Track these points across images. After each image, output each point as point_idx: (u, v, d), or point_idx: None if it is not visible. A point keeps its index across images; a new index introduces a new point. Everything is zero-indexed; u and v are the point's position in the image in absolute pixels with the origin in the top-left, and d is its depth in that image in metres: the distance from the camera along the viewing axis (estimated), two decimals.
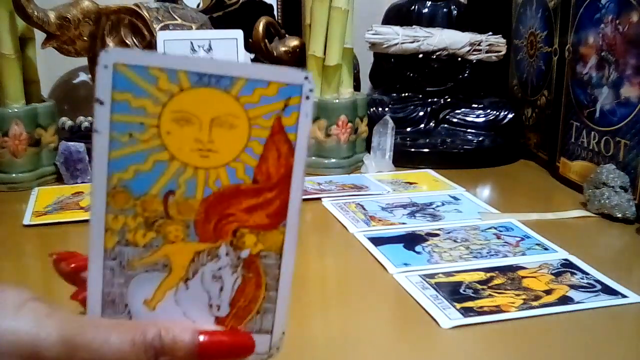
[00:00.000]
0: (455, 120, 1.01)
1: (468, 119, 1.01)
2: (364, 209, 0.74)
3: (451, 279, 0.55)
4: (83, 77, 1.08)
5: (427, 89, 1.02)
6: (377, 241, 0.64)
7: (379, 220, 0.70)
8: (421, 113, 1.01)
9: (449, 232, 0.66)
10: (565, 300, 0.52)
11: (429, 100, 1.02)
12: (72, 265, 0.30)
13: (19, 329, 0.24)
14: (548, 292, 0.53)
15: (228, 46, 0.83)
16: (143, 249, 0.26)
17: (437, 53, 0.99)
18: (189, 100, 0.25)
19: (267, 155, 0.26)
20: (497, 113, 1.00)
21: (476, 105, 1.01)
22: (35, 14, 0.80)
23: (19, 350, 0.24)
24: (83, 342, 0.24)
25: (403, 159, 0.93)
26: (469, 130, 1.00)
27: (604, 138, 0.77)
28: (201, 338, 0.25)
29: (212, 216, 0.26)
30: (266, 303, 0.27)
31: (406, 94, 1.03)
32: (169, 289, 0.27)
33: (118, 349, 0.24)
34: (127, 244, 0.26)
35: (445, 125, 1.01)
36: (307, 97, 0.25)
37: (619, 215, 0.70)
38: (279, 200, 0.26)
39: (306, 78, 0.25)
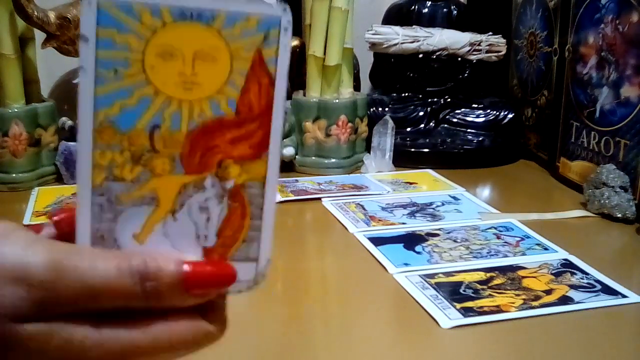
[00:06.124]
0: (455, 120, 1.01)
1: (468, 119, 1.01)
2: (364, 209, 0.74)
3: (451, 279, 0.55)
4: None
5: (427, 89, 1.02)
6: (377, 241, 0.64)
7: (379, 220, 0.70)
8: (421, 113, 1.01)
9: (449, 232, 0.66)
10: (565, 300, 0.52)
11: (429, 100, 1.02)
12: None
13: (7, 253, 0.25)
14: (548, 292, 0.53)
15: None
16: (131, 183, 0.27)
17: (437, 53, 0.99)
18: (172, 34, 0.26)
19: (248, 88, 0.26)
20: (497, 113, 1.00)
21: (476, 105, 1.01)
22: (35, 14, 0.80)
23: (8, 272, 0.24)
24: (69, 266, 0.25)
25: (403, 159, 0.93)
26: (469, 130, 1.00)
27: (604, 138, 0.77)
28: (185, 267, 0.26)
29: (197, 148, 0.27)
30: (251, 232, 0.28)
31: (406, 94, 1.03)
32: (157, 221, 0.27)
33: (104, 275, 0.25)
34: (115, 180, 0.27)
35: (445, 125, 1.01)
36: (286, 29, 0.26)
37: (619, 215, 0.70)
38: (261, 130, 0.27)
39: (284, 10, 0.26)
